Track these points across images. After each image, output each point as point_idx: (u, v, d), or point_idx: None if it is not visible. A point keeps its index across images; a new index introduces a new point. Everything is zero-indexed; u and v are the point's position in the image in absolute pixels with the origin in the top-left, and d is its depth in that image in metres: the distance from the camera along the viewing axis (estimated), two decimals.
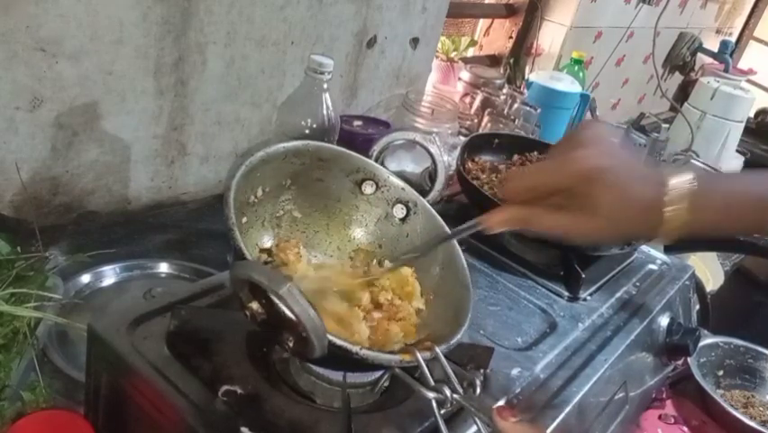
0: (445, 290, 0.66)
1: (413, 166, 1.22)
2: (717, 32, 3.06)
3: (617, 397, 0.83)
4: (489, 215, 0.58)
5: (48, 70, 0.90)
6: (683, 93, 2.66)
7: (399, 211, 0.72)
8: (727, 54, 2.70)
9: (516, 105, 1.52)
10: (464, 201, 1.06)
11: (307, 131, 0.92)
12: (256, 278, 0.48)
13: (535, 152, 1.15)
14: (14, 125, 0.91)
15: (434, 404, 0.52)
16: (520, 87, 1.83)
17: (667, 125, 2.00)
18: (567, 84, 1.72)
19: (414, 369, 0.55)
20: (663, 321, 0.96)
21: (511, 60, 2.06)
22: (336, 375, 0.60)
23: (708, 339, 1.09)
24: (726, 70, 2.68)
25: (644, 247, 1.06)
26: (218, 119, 1.16)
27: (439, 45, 1.71)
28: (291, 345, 0.51)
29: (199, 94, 1.10)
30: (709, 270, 1.46)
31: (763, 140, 2.40)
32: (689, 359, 1.02)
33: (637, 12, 2.21)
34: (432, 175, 0.87)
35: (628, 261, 1.02)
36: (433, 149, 0.81)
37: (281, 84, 1.22)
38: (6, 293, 0.73)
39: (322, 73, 0.90)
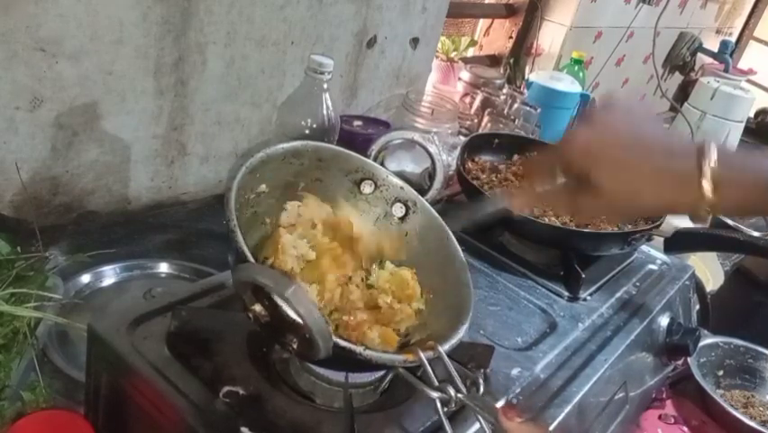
0: (445, 288, 0.66)
1: (413, 166, 1.22)
2: (717, 32, 3.06)
3: (617, 397, 0.83)
4: (515, 199, 0.61)
5: (48, 70, 0.90)
6: (683, 93, 2.66)
7: (398, 210, 0.72)
8: (727, 54, 2.70)
9: (516, 105, 1.52)
10: (464, 201, 1.06)
11: (307, 131, 0.92)
12: (261, 280, 0.48)
13: (535, 153, 1.15)
14: (14, 125, 0.91)
15: (439, 404, 0.52)
16: (520, 87, 1.83)
17: (667, 125, 2.00)
18: (567, 84, 1.72)
19: (416, 368, 0.55)
20: (663, 321, 0.96)
21: (511, 60, 2.06)
22: (337, 375, 0.60)
23: (708, 339, 1.09)
24: (726, 70, 2.68)
25: (644, 247, 1.06)
26: (218, 119, 1.16)
27: (439, 45, 1.71)
28: (295, 346, 0.51)
29: (199, 94, 1.10)
30: (709, 270, 1.46)
31: (763, 140, 2.39)
32: (689, 359, 1.02)
33: (637, 12, 2.21)
34: (431, 175, 0.87)
35: (628, 261, 1.02)
36: (431, 148, 0.81)
37: (281, 84, 1.22)
38: (6, 293, 0.73)
39: (322, 73, 0.90)
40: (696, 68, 2.81)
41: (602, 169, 0.53)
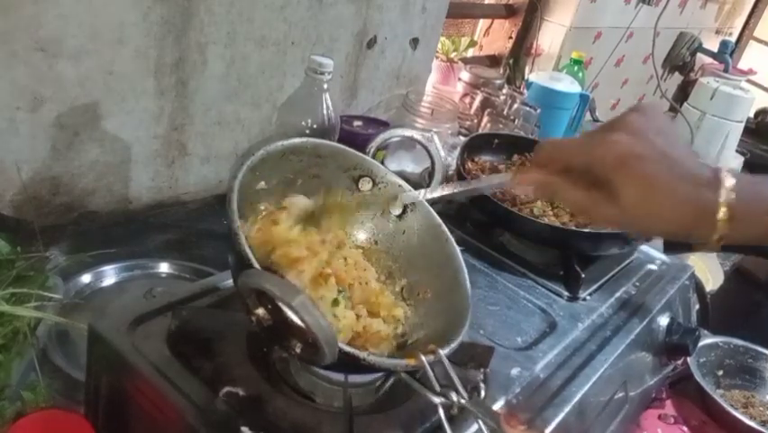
0: (443, 288, 0.66)
1: (413, 166, 1.22)
2: (717, 32, 3.06)
3: (616, 397, 0.83)
4: (520, 175, 0.58)
5: (48, 70, 0.91)
6: (683, 93, 2.66)
7: (396, 208, 0.72)
8: (727, 54, 2.69)
9: (515, 106, 1.52)
10: (464, 201, 1.06)
11: (307, 131, 0.92)
12: (268, 288, 0.48)
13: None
14: (15, 125, 0.91)
15: (441, 410, 0.52)
16: (520, 88, 1.83)
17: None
18: (567, 84, 1.72)
19: (417, 372, 0.55)
20: (663, 321, 0.96)
21: (511, 61, 2.06)
22: (336, 375, 0.60)
23: (707, 339, 1.09)
24: (725, 70, 2.68)
25: (643, 247, 1.06)
26: (218, 119, 1.16)
27: (439, 45, 1.71)
28: (298, 351, 0.51)
29: (199, 94, 1.10)
30: (709, 270, 1.46)
31: (763, 140, 2.39)
32: (688, 359, 1.02)
33: (637, 12, 2.21)
34: (431, 174, 0.87)
35: (628, 261, 1.02)
36: (430, 146, 0.81)
37: (281, 84, 1.22)
38: (6, 293, 0.73)
39: (322, 73, 0.90)
40: (696, 68, 2.81)
41: (629, 179, 0.51)
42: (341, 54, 1.33)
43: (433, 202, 0.73)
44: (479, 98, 1.57)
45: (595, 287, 0.92)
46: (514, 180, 0.58)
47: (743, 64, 3.23)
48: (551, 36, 2.05)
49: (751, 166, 2.18)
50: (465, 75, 1.67)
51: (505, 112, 1.52)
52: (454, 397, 0.52)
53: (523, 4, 2.04)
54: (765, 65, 3.19)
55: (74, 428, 0.60)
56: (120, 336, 0.61)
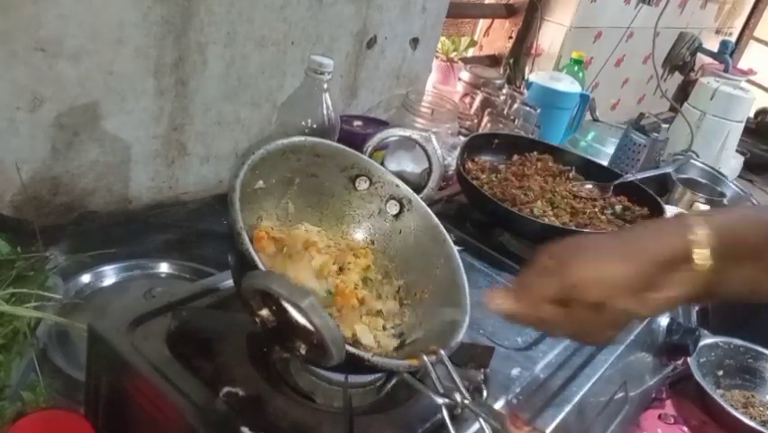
0: (440, 288, 0.66)
1: (413, 166, 1.22)
2: (717, 32, 3.06)
3: (616, 397, 0.83)
4: (493, 295, 0.55)
5: (48, 70, 0.90)
6: (683, 93, 2.66)
7: (393, 207, 0.72)
8: (727, 54, 2.69)
9: (515, 106, 1.52)
10: (464, 201, 1.06)
11: (307, 131, 0.92)
12: (275, 289, 0.48)
13: (535, 153, 1.15)
14: (15, 125, 0.91)
15: (445, 411, 0.52)
16: (520, 88, 1.83)
17: (667, 125, 2.00)
18: (567, 84, 1.72)
19: (417, 371, 0.55)
20: (663, 321, 0.96)
21: (511, 61, 2.06)
22: (337, 376, 0.60)
23: (708, 339, 1.09)
24: (726, 70, 2.68)
25: None
26: (218, 119, 1.16)
27: (439, 45, 1.71)
28: (303, 352, 0.51)
29: (199, 94, 1.10)
30: None
31: (763, 140, 2.39)
32: (688, 359, 1.02)
33: (637, 12, 2.21)
34: (429, 174, 0.87)
35: None
36: (427, 146, 0.81)
37: (281, 84, 1.22)
38: (6, 293, 0.73)
39: (322, 73, 0.90)
40: (696, 68, 2.81)
41: (586, 268, 0.50)
42: (341, 54, 1.33)
43: (431, 202, 0.73)
44: (479, 98, 1.57)
45: None
46: (488, 302, 0.55)
47: (743, 64, 3.23)
48: (551, 36, 2.05)
49: (751, 166, 2.19)
50: (465, 75, 1.66)
51: (505, 112, 1.52)
52: (458, 397, 0.52)
53: (523, 4, 2.04)
54: (765, 65, 3.19)
55: (74, 428, 0.60)
56: (120, 336, 0.61)
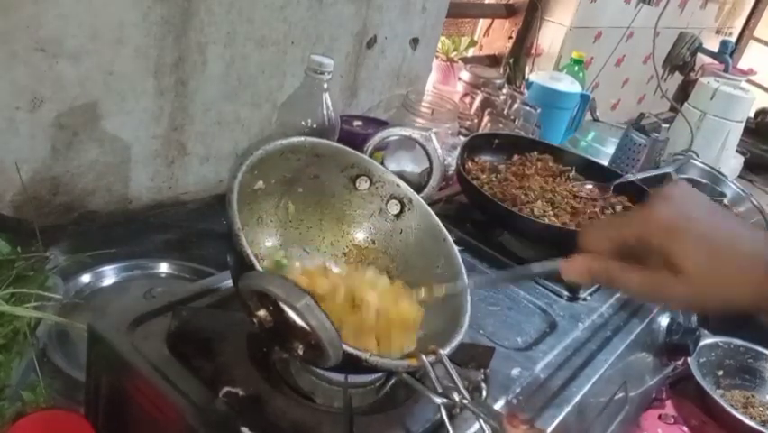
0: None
1: (413, 166, 1.22)
2: (717, 32, 3.06)
3: (617, 397, 0.83)
4: (569, 262, 0.53)
5: (48, 70, 0.90)
6: (683, 93, 2.66)
7: (393, 207, 0.72)
8: (727, 54, 2.69)
9: (516, 106, 1.52)
10: (464, 201, 1.06)
11: (307, 131, 0.92)
12: (271, 290, 0.48)
13: (535, 153, 1.15)
14: (15, 125, 0.91)
15: (443, 410, 0.52)
16: (520, 87, 1.83)
17: (667, 125, 2.00)
18: (567, 84, 1.72)
19: (417, 371, 0.55)
20: (663, 321, 0.96)
21: (511, 60, 2.06)
22: (337, 376, 0.60)
23: (708, 339, 1.09)
24: (726, 70, 2.68)
25: None
26: (218, 119, 1.16)
27: (439, 45, 1.71)
28: (301, 352, 0.51)
29: (199, 94, 1.10)
30: None
31: (763, 140, 2.40)
32: (689, 359, 1.02)
33: (637, 12, 2.21)
34: (430, 174, 0.87)
35: None
36: (428, 145, 0.80)
37: (281, 84, 1.22)
38: (6, 293, 0.73)
39: (322, 73, 0.90)
40: (696, 68, 2.81)
41: (688, 242, 0.47)
42: (341, 54, 1.33)
43: (431, 202, 0.73)
44: (479, 98, 1.56)
45: (595, 287, 0.92)
46: (565, 269, 0.53)
47: (743, 64, 3.23)
48: (551, 36, 2.05)
49: (751, 166, 2.19)
50: (465, 75, 1.66)
51: (505, 112, 1.52)
52: (456, 397, 0.52)
53: (523, 4, 2.04)
54: (765, 65, 3.19)
55: (74, 428, 0.60)
56: (120, 336, 0.61)
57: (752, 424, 0.95)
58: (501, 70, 2.02)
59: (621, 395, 0.84)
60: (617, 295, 0.93)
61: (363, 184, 0.71)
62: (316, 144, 0.68)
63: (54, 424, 0.60)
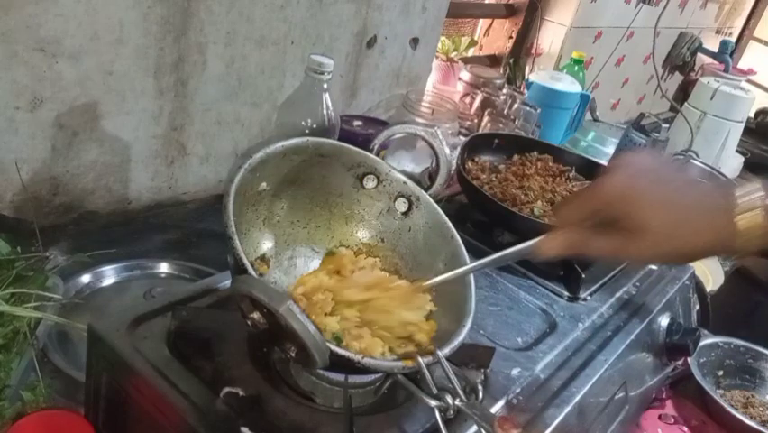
0: (448, 286, 0.66)
1: (413, 166, 1.22)
2: (717, 32, 3.06)
3: (617, 397, 0.83)
4: (544, 240, 0.58)
5: (48, 70, 0.90)
6: (683, 93, 2.67)
7: (401, 205, 0.72)
8: (727, 54, 2.70)
9: (516, 105, 1.52)
10: (464, 201, 1.06)
11: (307, 131, 0.91)
12: (256, 295, 0.49)
13: (535, 153, 1.15)
14: (14, 125, 0.91)
15: (437, 413, 0.52)
16: (520, 87, 1.83)
17: (667, 125, 2.00)
18: (567, 84, 1.72)
19: (415, 373, 0.55)
20: (663, 321, 0.96)
21: (511, 60, 2.06)
22: (337, 376, 0.60)
23: (708, 339, 1.09)
24: (726, 70, 2.68)
25: None
26: (218, 119, 1.16)
27: (439, 45, 1.71)
28: (293, 354, 0.51)
29: (199, 94, 1.10)
30: (709, 270, 1.46)
31: (763, 140, 2.40)
32: (689, 359, 1.02)
33: (637, 12, 2.21)
34: (432, 174, 0.87)
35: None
36: (434, 141, 0.80)
37: (281, 84, 1.22)
38: (6, 293, 0.73)
39: (322, 73, 0.89)
40: (696, 68, 2.81)
41: (642, 206, 0.52)
42: (341, 54, 1.33)
43: (437, 199, 0.73)
44: (479, 98, 1.56)
45: (595, 287, 0.92)
46: (543, 247, 0.58)
47: (743, 64, 3.23)
48: (551, 36, 2.05)
49: (751, 166, 2.19)
50: (465, 75, 1.66)
51: (505, 112, 1.52)
52: (450, 400, 0.52)
53: (523, 4, 2.04)
54: (765, 65, 3.19)
55: (74, 428, 0.61)
56: (120, 336, 0.61)
57: (752, 424, 0.95)
58: (501, 70, 2.02)
59: (621, 395, 0.84)
60: (618, 295, 0.93)
61: (370, 183, 0.71)
62: (320, 144, 0.68)
63: (54, 424, 0.61)
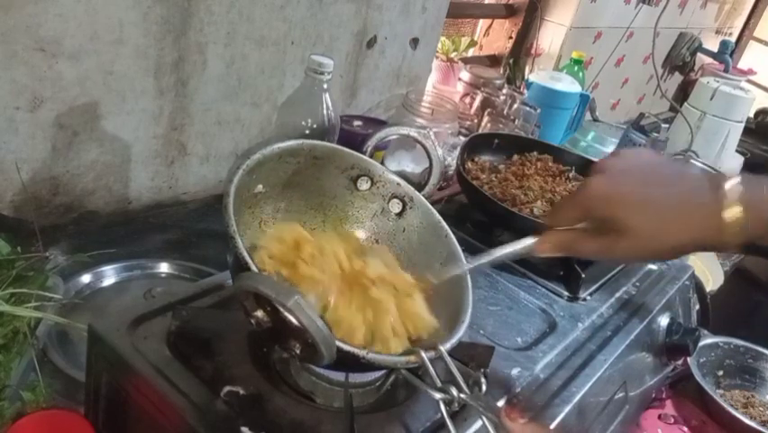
0: (444, 285, 0.66)
1: (413, 166, 1.22)
2: (717, 32, 3.06)
3: (616, 397, 0.83)
4: (540, 240, 0.60)
5: (48, 70, 0.90)
6: (683, 93, 2.67)
7: (395, 206, 0.72)
8: (727, 54, 2.70)
9: (515, 106, 1.52)
10: (464, 201, 1.06)
11: (307, 131, 0.92)
12: (263, 290, 0.48)
13: (535, 153, 1.15)
14: (14, 125, 0.91)
15: (442, 405, 0.52)
16: (520, 88, 1.83)
17: (667, 125, 2.01)
18: (567, 84, 1.72)
19: (418, 368, 0.55)
20: (663, 321, 0.96)
21: (511, 61, 2.06)
22: (337, 375, 0.60)
23: (707, 339, 1.09)
24: (725, 70, 2.68)
25: None
26: (218, 119, 1.16)
27: (439, 45, 1.71)
28: (298, 351, 0.51)
29: (199, 94, 1.10)
30: (709, 270, 1.46)
31: (762, 140, 2.40)
32: (689, 359, 1.02)
33: (637, 12, 2.21)
34: (429, 172, 0.87)
35: None
36: (426, 143, 0.80)
37: (281, 84, 1.22)
38: (6, 293, 0.73)
39: (322, 73, 0.89)
40: (696, 68, 2.81)
41: (626, 209, 0.54)
42: (341, 54, 1.33)
43: (432, 201, 0.73)
44: (479, 98, 1.56)
45: (595, 287, 0.92)
46: (537, 247, 0.60)
47: (743, 64, 3.23)
48: (551, 36, 2.05)
49: (751, 166, 2.19)
50: (465, 75, 1.66)
51: (505, 112, 1.52)
52: (455, 392, 0.52)
53: (523, 4, 2.04)
54: (765, 65, 3.19)
55: (74, 428, 0.61)
56: (120, 336, 0.61)
57: (752, 424, 0.95)
58: (501, 70, 2.02)
59: (621, 395, 0.84)
60: (618, 295, 0.93)
61: (364, 184, 0.71)
62: (315, 147, 0.68)
63: (54, 424, 0.61)
